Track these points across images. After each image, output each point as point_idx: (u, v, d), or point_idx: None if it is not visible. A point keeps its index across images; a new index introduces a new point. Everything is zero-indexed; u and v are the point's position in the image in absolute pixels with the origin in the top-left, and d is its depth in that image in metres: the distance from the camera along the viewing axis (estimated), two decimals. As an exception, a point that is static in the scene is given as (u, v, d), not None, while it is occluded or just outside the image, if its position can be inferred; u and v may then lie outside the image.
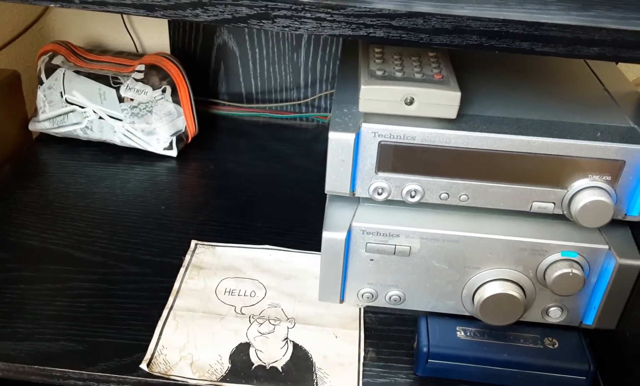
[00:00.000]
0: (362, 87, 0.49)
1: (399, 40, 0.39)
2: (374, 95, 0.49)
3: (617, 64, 0.64)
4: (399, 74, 0.50)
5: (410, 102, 0.49)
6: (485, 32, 0.38)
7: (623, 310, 0.54)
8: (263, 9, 0.39)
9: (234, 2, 0.38)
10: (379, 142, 0.50)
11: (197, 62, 0.91)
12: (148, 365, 0.54)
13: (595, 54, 0.38)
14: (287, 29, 0.39)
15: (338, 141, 0.50)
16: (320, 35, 0.42)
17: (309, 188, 0.78)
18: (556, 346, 0.55)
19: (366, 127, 0.50)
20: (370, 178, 0.52)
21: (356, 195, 0.53)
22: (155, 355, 0.55)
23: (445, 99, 0.48)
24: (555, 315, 0.56)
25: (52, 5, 0.39)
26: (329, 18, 0.39)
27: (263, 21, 0.39)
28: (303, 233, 0.70)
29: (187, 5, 0.39)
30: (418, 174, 0.52)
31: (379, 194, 0.53)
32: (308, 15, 0.39)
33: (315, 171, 0.80)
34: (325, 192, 0.53)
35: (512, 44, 0.38)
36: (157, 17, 0.39)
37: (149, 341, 0.56)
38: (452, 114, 0.49)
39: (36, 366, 0.54)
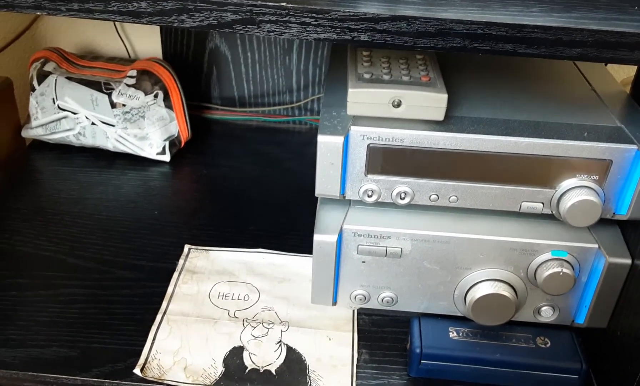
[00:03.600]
0: (350, 90, 0.49)
1: (384, 43, 0.39)
2: (362, 98, 0.49)
3: (606, 65, 0.64)
4: (386, 77, 0.50)
5: (397, 104, 0.49)
6: (469, 35, 0.39)
7: (614, 309, 0.55)
8: (248, 14, 0.39)
9: (219, 8, 0.39)
10: (368, 145, 0.50)
11: (190, 66, 0.91)
12: (142, 370, 0.54)
13: (577, 55, 0.38)
14: (272, 33, 0.39)
15: (327, 144, 0.50)
16: (305, 40, 0.42)
17: (302, 191, 0.78)
18: (548, 345, 0.55)
19: (355, 130, 0.50)
20: (360, 181, 0.52)
21: (346, 198, 0.53)
22: (148, 359, 0.55)
23: (432, 101, 0.49)
24: (547, 314, 0.56)
25: (38, 13, 0.39)
26: (314, 22, 0.39)
27: (248, 26, 0.39)
28: (296, 236, 0.70)
29: (173, 12, 0.39)
30: (407, 176, 0.52)
31: (369, 196, 0.53)
32: (293, 20, 0.39)
33: (308, 173, 0.80)
34: (316, 195, 0.54)
35: (495, 46, 0.39)
36: (143, 23, 0.39)
37: (143, 346, 0.56)
38: (440, 116, 0.49)
39: (30, 373, 0.54)
